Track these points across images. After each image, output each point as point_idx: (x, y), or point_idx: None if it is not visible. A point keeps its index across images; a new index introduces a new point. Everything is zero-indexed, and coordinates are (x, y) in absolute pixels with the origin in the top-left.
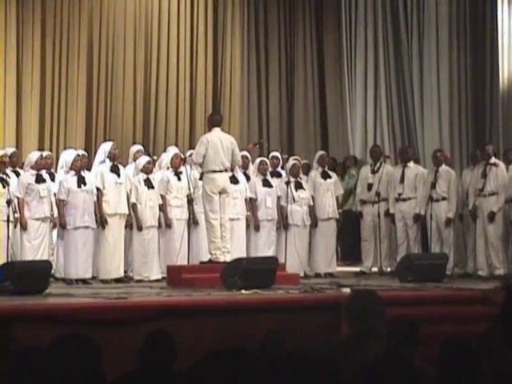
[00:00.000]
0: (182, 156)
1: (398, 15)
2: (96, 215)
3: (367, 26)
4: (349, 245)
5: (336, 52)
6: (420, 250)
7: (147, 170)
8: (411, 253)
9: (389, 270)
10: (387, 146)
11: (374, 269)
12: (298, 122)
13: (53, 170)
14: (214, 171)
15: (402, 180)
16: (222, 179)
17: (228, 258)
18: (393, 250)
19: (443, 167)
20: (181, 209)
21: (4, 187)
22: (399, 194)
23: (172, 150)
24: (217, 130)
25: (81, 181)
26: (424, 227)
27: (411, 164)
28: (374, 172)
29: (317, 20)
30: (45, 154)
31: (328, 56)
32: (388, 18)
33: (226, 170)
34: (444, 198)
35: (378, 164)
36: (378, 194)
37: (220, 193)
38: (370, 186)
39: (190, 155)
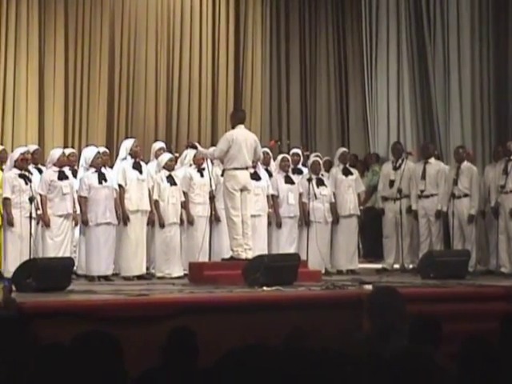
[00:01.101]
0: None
1: (420, 11)
2: (117, 212)
3: (389, 21)
4: (371, 242)
5: (358, 48)
6: (442, 246)
7: (169, 167)
8: (433, 250)
9: (411, 266)
10: (410, 142)
11: (396, 266)
12: (319, 118)
13: (76, 167)
14: (236, 168)
15: (423, 176)
16: (243, 176)
17: (250, 254)
18: (415, 246)
19: (465, 164)
20: (203, 206)
21: (26, 184)
22: (421, 191)
23: None
24: (241, 128)
25: (101, 177)
26: (446, 224)
27: (432, 160)
28: (395, 169)
29: (338, 16)
30: (69, 151)
31: (349, 52)
32: (411, 13)
33: (247, 168)
34: (466, 195)
35: (400, 160)
36: (399, 190)
37: (241, 190)
38: (391, 183)
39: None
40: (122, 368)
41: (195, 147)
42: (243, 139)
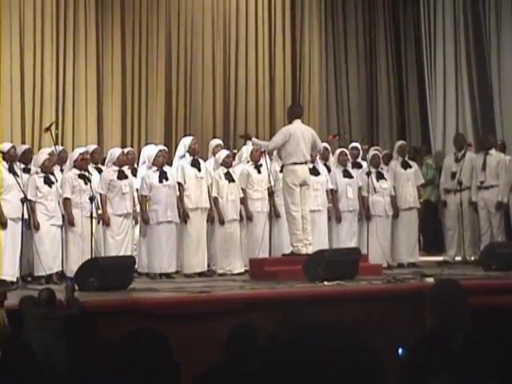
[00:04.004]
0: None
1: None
2: (179, 210)
3: (446, 10)
4: (431, 234)
5: (416, 41)
6: (504, 238)
7: (227, 163)
8: (495, 241)
9: (472, 258)
10: (469, 134)
11: (458, 258)
12: (378, 111)
13: (135, 166)
14: (295, 163)
15: (483, 168)
16: (303, 171)
17: (310, 249)
18: (476, 238)
19: None
20: (262, 201)
21: (86, 184)
22: (481, 182)
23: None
24: (298, 122)
25: (163, 176)
26: (507, 215)
27: (493, 151)
28: (457, 160)
29: (395, 8)
30: (127, 150)
31: (407, 45)
32: (467, 2)
33: (306, 163)
34: None
35: (462, 152)
36: (459, 182)
37: (301, 185)
38: (453, 175)
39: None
40: (172, 365)
41: (249, 138)
42: (300, 133)
